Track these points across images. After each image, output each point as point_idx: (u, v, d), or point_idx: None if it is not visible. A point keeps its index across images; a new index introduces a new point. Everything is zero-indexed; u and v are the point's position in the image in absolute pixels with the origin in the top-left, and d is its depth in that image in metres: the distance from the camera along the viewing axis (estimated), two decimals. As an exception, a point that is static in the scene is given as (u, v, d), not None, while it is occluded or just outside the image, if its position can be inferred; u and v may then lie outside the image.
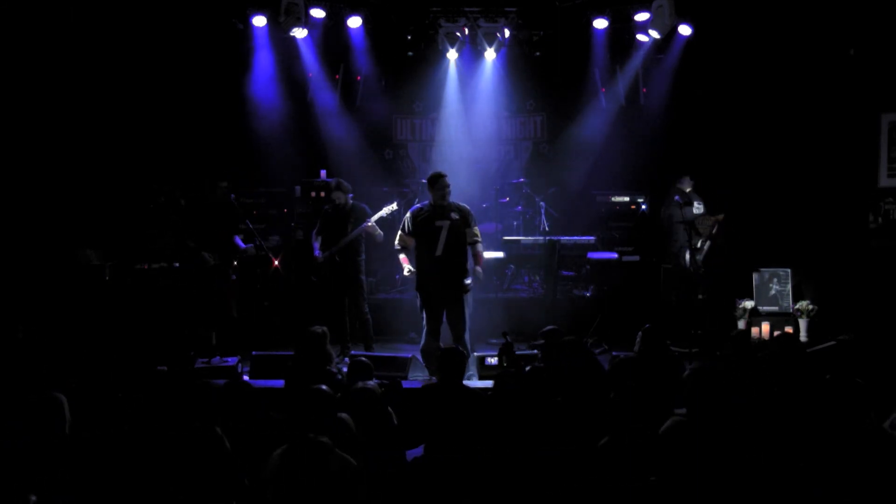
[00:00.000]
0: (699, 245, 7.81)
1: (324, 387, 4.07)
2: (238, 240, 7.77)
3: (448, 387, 4.88)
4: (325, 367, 5.48)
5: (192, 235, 7.56)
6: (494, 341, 6.54)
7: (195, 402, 4.11)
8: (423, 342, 6.89)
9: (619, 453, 3.92)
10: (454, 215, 6.87)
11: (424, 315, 6.89)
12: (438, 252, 6.79)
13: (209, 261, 7.49)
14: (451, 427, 4.61)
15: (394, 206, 7.82)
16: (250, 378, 6.72)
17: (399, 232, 7.06)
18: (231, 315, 7.67)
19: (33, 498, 3.10)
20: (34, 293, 7.55)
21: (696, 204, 8.45)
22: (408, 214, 7.00)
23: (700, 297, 7.82)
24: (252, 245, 7.81)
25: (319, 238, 7.68)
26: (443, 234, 6.79)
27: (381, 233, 7.60)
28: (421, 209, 6.97)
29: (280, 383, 5.93)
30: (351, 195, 7.64)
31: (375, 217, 7.56)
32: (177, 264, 7.82)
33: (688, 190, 8.55)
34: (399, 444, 4.72)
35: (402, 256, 7.02)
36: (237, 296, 7.85)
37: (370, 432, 4.46)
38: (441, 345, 6.71)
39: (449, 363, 4.94)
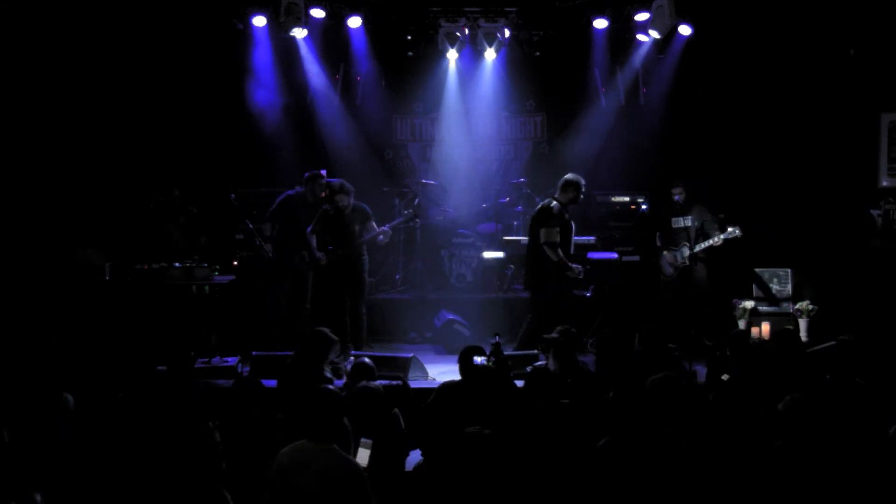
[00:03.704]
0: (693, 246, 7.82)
1: (330, 387, 4.06)
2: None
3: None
4: (318, 366, 5.47)
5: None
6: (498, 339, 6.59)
7: (194, 401, 4.11)
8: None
9: (618, 453, 3.93)
10: None
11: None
12: (571, 250, 7.14)
13: (312, 260, 7.64)
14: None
15: (409, 212, 8.13)
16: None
17: (556, 228, 7.01)
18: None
19: (38, 497, 3.09)
20: (34, 293, 7.55)
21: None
22: (559, 212, 7.02)
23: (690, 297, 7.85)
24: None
25: (314, 237, 7.64)
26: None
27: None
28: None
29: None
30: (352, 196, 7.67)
31: (393, 224, 7.88)
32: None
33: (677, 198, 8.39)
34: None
35: (561, 254, 6.99)
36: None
37: (374, 433, 4.46)
38: None
39: None
